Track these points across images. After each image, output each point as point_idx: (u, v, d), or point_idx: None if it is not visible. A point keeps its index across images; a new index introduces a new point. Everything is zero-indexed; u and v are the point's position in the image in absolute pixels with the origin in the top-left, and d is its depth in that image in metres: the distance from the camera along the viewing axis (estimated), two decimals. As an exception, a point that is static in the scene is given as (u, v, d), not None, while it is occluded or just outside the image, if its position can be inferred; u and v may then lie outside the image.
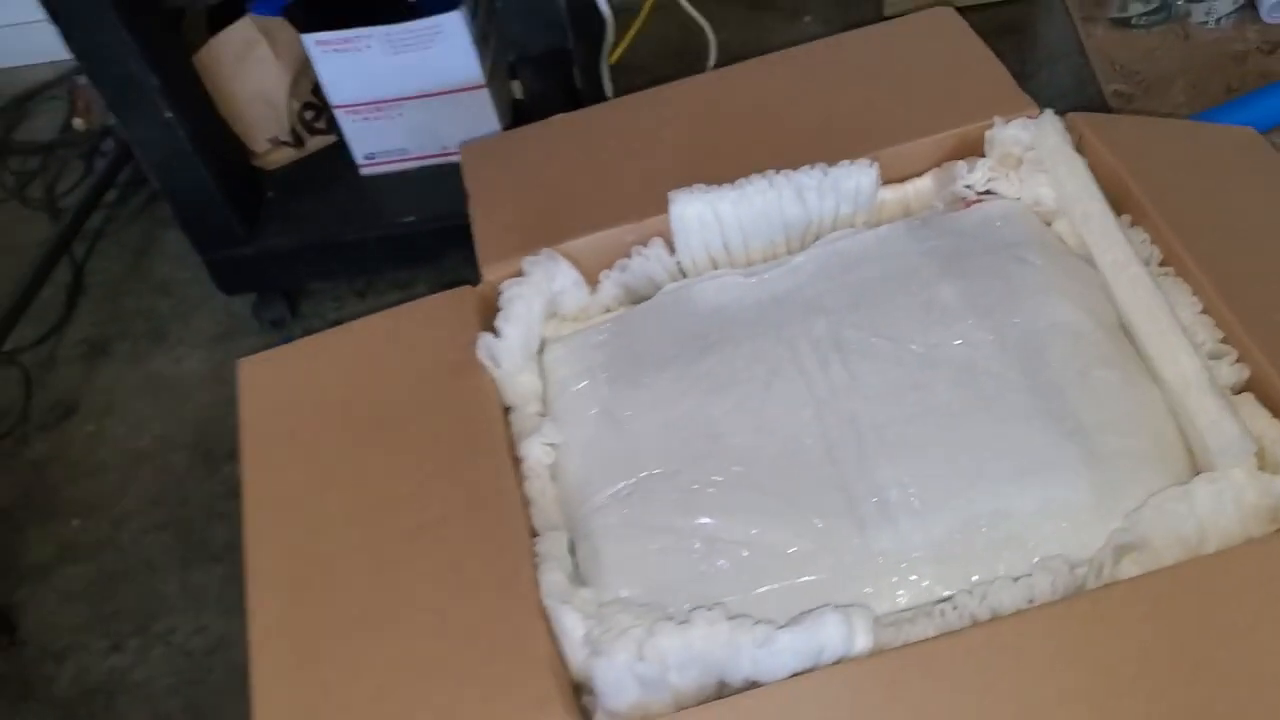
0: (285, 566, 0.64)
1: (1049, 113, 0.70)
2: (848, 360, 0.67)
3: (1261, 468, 0.58)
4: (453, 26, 1.05)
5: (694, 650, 0.54)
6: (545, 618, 0.58)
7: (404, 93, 1.11)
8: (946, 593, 0.59)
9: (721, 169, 0.76)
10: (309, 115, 1.21)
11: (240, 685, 0.93)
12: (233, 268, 1.18)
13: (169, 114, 1.04)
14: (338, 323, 1.25)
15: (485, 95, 1.12)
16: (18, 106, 1.59)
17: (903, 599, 0.59)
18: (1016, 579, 0.57)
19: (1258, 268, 0.67)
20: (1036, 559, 0.58)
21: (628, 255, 0.76)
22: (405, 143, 1.16)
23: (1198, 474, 0.59)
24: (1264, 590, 0.53)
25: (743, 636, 0.54)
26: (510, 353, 0.70)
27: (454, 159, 1.18)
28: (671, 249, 0.76)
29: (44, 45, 1.42)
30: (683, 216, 0.74)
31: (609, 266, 0.77)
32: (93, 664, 1.00)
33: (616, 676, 0.54)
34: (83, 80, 1.51)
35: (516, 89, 1.20)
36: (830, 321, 0.69)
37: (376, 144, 1.16)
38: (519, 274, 0.73)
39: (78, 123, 1.52)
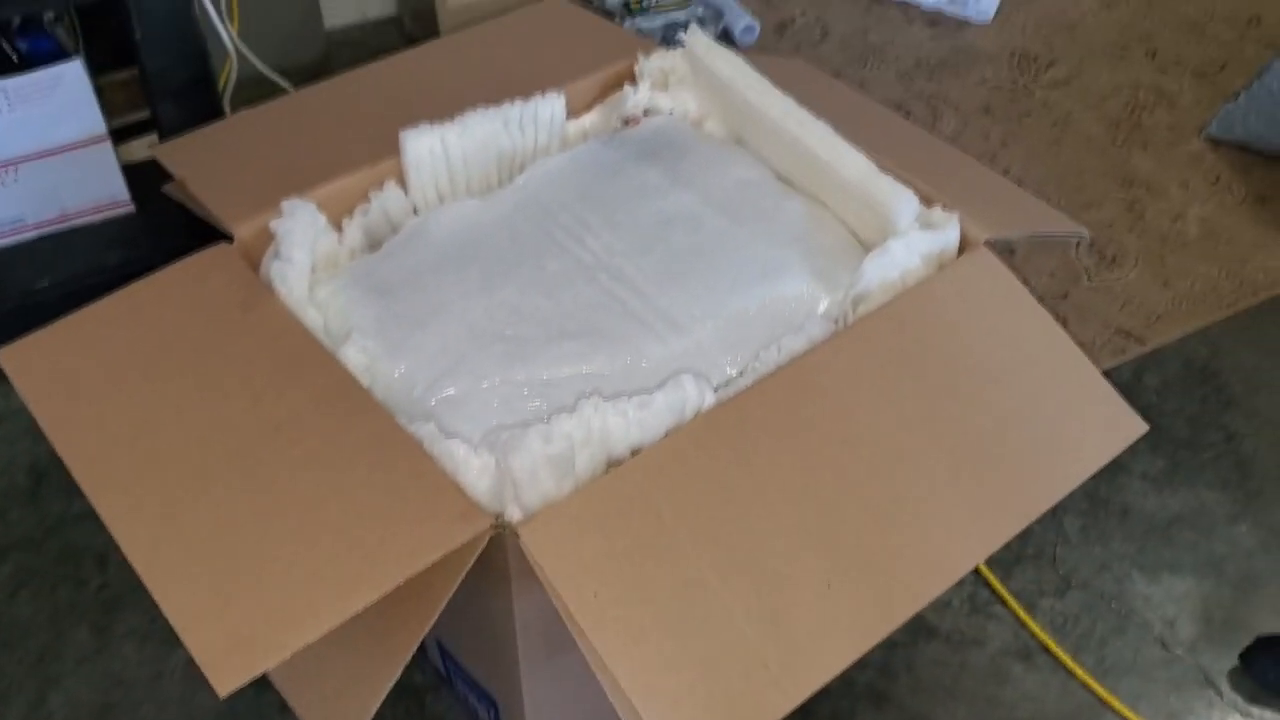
0: (146, 502, 0.61)
1: (694, 26, 0.89)
2: (598, 234, 0.79)
3: (920, 231, 0.79)
4: (74, 76, 1.03)
5: (591, 427, 0.62)
6: (432, 458, 0.63)
7: (20, 153, 1.06)
8: (740, 372, 0.72)
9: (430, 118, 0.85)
10: (-112, 204, 1.10)
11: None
12: None
13: None
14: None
15: (109, 150, 1.10)
16: None
17: (714, 381, 0.71)
18: (797, 332, 0.72)
19: (864, 132, 0.89)
20: (801, 324, 0.74)
21: (366, 200, 0.82)
22: (22, 210, 1.10)
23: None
24: (943, 300, 0.74)
25: (626, 405, 0.63)
26: (300, 278, 0.73)
27: (77, 223, 1.14)
28: (405, 189, 0.84)
29: None
30: (416, 151, 0.82)
31: (349, 215, 0.82)
32: None
33: (532, 464, 0.60)
34: None
35: (123, 153, 1.18)
36: (570, 213, 0.81)
37: (-11, 216, 1.09)
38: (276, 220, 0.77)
39: None
